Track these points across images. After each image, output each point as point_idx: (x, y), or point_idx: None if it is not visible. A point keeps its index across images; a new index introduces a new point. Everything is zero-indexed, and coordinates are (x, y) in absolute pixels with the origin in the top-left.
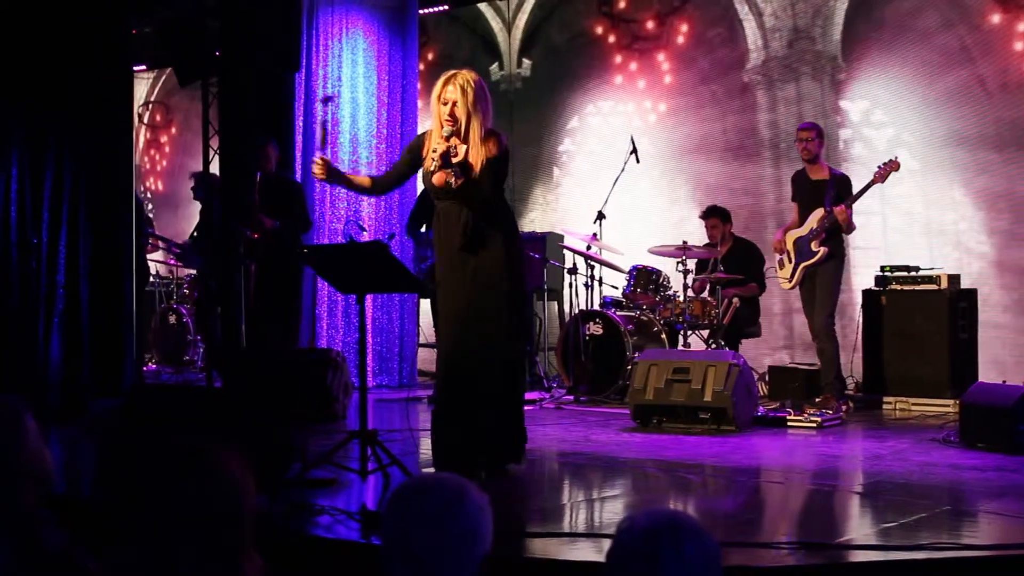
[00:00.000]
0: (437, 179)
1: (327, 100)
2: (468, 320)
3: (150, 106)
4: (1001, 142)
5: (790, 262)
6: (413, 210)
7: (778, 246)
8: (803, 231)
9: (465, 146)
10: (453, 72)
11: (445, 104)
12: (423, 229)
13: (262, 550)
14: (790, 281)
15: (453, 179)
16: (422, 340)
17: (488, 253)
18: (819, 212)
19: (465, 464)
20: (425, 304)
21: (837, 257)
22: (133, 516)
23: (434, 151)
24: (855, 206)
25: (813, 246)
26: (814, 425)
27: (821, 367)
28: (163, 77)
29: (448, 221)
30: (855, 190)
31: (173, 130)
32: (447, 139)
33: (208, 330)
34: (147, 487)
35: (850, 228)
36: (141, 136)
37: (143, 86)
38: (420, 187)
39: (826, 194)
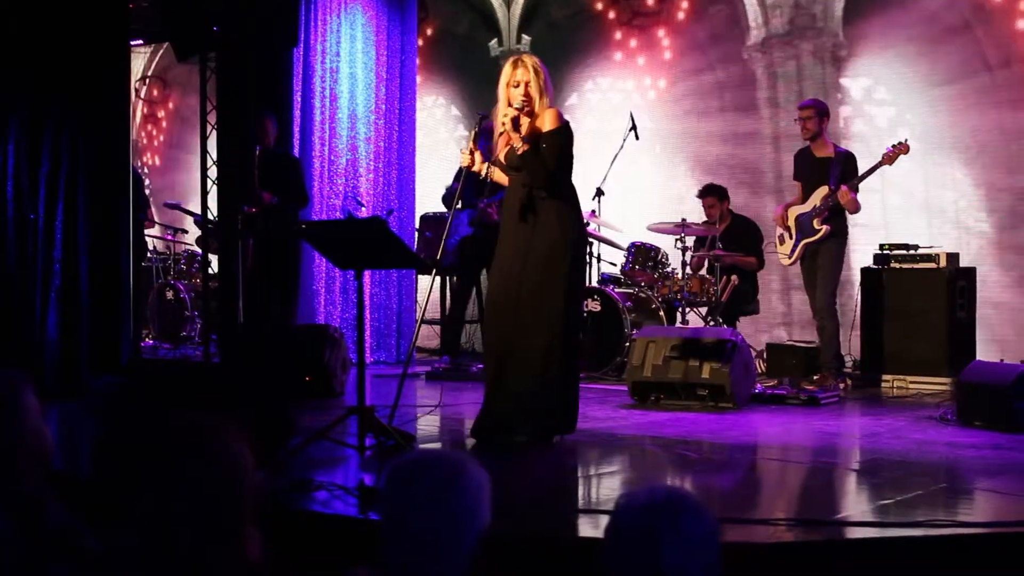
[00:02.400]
0: (503, 141)
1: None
2: (518, 287)
3: (147, 81)
4: (1002, 121)
5: (791, 238)
6: (456, 188)
7: (779, 221)
8: (806, 208)
9: (528, 122)
10: (517, 57)
11: (516, 86)
12: (458, 206)
13: (261, 526)
14: (790, 257)
15: (519, 143)
16: (419, 316)
17: (543, 224)
18: (823, 190)
19: (499, 432)
20: (424, 281)
21: (839, 235)
22: (132, 493)
23: (505, 116)
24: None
25: (815, 224)
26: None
27: (820, 345)
28: (160, 51)
29: (513, 192)
30: (859, 167)
31: (170, 105)
32: (518, 111)
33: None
34: (146, 463)
35: (856, 209)
36: (138, 111)
37: (140, 60)
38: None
39: (831, 172)
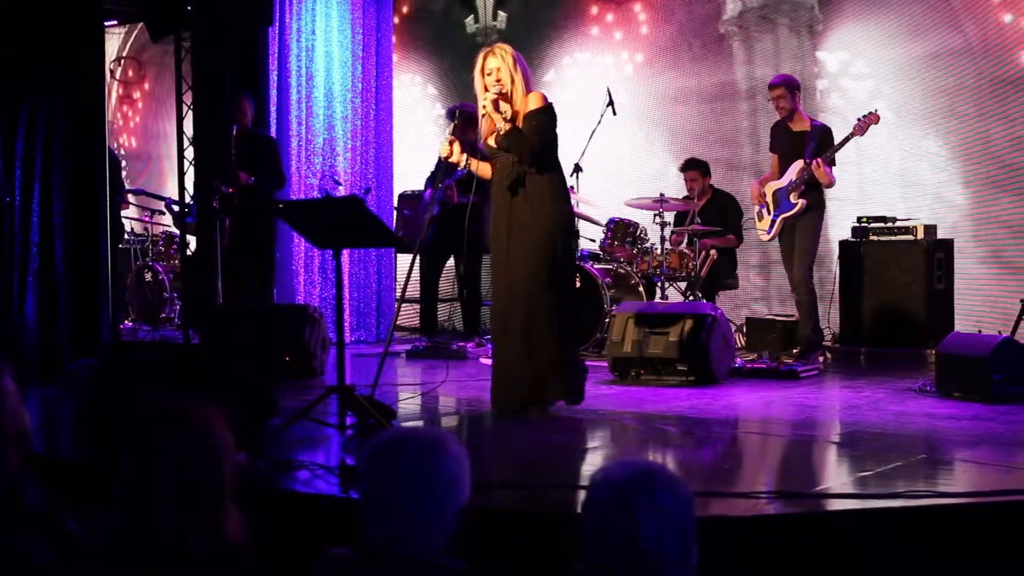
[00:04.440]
0: (487, 124)
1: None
2: (509, 265)
3: (122, 62)
4: (979, 93)
5: (769, 214)
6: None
7: (756, 197)
8: (782, 182)
9: (509, 106)
10: (489, 47)
11: (489, 74)
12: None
13: (241, 505)
14: (768, 233)
15: (503, 123)
16: (399, 295)
17: (533, 202)
18: (799, 164)
19: (512, 404)
20: (403, 260)
21: (816, 209)
22: (113, 474)
23: (485, 99)
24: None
25: (792, 198)
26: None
27: (799, 319)
28: (135, 32)
29: (502, 173)
30: (835, 141)
31: (146, 86)
32: (496, 94)
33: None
34: (127, 444)
35: (830, 182)
36: (113, 92)
37: (115, 41)
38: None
39: (807, 145)
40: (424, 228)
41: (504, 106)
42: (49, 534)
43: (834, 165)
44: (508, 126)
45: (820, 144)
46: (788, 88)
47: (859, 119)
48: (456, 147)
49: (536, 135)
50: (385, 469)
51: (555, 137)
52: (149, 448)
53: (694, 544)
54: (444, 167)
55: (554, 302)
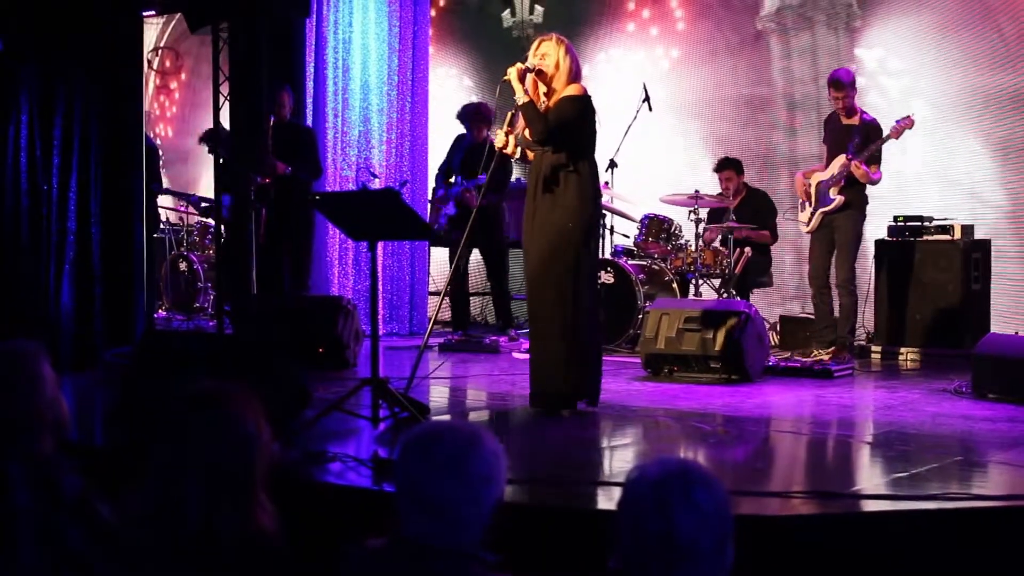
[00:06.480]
0: (515, 73)
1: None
2: (533, 260)
3: (160, 52)
4: (1018, 91)
5: (810, 206)
6: (444, 165)
7: (799, 188)
8: (826, 175)
9: (537, 84)
10: (548, 35)
11: (540, 58)
12: (453, 179)
13: (274, 496)
14: (807, 225)
15: (522, 95)
16: (432, 288)
17: (562, 199)
18: (842, 158)
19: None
20: (436, 252)
21: (855, 208)
22: (147, 461)
23: (514, 67)
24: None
25: (831, 193)
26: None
27: (839, 317)
28: (173, 22)
29: (536, 167)
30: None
31: (183, 76)
32: (526, 68)
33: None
34: (161, 432)
35: (868, 180)
36: (151, 82)
37: (152, 31)
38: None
39: (851, 140)
40: (435, 217)
41: (529, 80)
42: (83, 520)
43: (878, 164)
44: (527, 98)
45: (865, 140)
46: (840, 87)
47: (896, 122)
48: (512, 139)
49: (554, 116)
50: (421, 463)
51: (580, 129)
52: (183, 431)
53: (730, 542)
54: (471, 160)
55: (567, 298)
